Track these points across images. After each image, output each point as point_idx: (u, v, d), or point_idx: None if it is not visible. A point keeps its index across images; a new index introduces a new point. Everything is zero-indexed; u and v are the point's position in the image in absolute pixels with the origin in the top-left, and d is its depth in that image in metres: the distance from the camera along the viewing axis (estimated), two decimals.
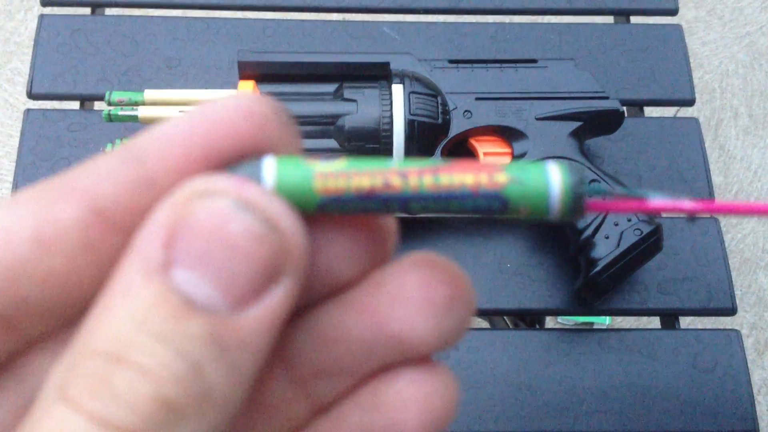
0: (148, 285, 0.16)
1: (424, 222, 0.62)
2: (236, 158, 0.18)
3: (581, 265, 0.57)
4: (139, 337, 0.15)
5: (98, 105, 0.65)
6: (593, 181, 0.57)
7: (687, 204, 0.18)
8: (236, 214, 0.16)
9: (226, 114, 0.18)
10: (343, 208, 0.18)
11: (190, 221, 0.16)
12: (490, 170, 0.18)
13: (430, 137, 0.58)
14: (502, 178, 0.18)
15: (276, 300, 0.16)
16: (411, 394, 0.19)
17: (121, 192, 0.17)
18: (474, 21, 0.72)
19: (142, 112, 0.58)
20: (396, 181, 0.18)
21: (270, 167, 0.18)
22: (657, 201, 0.18)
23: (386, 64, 0.59)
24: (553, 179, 0.18)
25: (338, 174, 0.18)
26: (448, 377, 0.19)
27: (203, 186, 0.17)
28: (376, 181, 0.18)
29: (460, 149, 0.60)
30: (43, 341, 0.17)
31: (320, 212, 0.18)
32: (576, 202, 0.18)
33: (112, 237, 0.17)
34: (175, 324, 0.16)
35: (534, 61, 0.62)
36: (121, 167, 0.17)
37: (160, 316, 0.16)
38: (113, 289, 0.16)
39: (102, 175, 0.17)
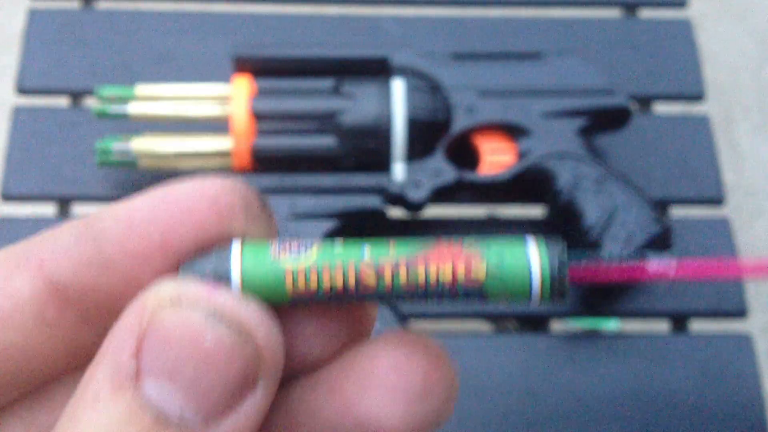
0: (118, 397, 0.16)
1: (424, 222, 0.61)
2: (199, 247, 0.17)
3: None
4: None
5: (89, 102, 0.64)
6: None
7: (692, 266, 0.17)
8: (209, 326, 0.16)
9: (190, 201, 0.17)
10: (316, 302, 0.18)
11: (161, 331, 0.16)
12: (468, 262, 0.17)
13: (431, 134, 0.58)
14: (480, 274, 0.17)
15: (251, 408, 0.16)
16: None
17: (77, 270, 0.17)
18: (478, 14, 0.71)
19: (133, 108, 0.57)
20: (370, 280, 0.17)
21: (236, 264, 0.17)
22: (656, 266, 0.18)
23: (386, 59, 0.58)
24: (534, 269, 0.17)
25: (309, 271, 0.17)
26: None
27: (173, 292, 0.16)
28: (349, 281, 0.17)
29: (463, 146, 0.59)
30: (9, 407, 0.18)
31: (292, 306, 0.18)
32: (558, 290, 0.17)
33: (68, 313, 0.17)
34: None
35: (539, 55, 0.61)
36: (79, 245, 0.17)
37: None
38: (82, 398, 0.16)
39: (59, 250, 0.17)
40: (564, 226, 0.58)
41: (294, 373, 0.18)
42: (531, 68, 0.60)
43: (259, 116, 0.56)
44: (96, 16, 0.68)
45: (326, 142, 0.57)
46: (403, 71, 0.58)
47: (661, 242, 0.55)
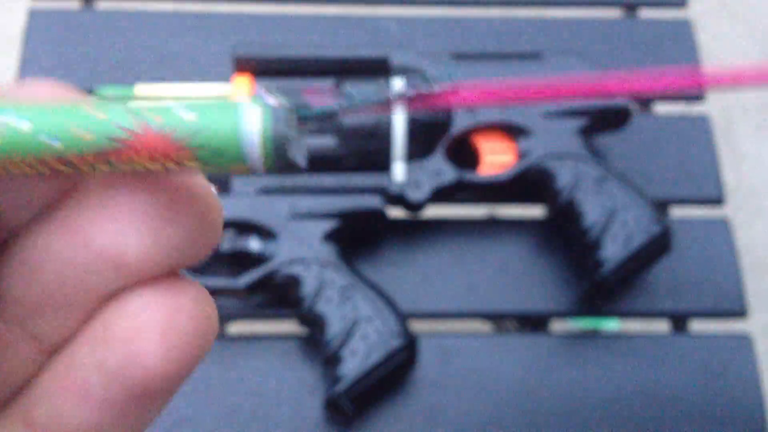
0: None
1: (424, 222, 0.61)
2: None
3: (587, 267, 0.56)
4: None
5: None
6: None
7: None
8: None
9: None
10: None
11: None
12: (175, 152, 0.16)
13: (431, 134, 0.58)
14: (190, 161, 0.16)
15: None
16: (146, 318, 0.16)
17: None
18: (478, 14, 0.71)
19: None
20: (64, 170, 0.16)
21: None
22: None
23: (386, 59, 0.58)
24: (247, 137, 0.15)
25: None
26: (196, 291, 0.17)
27: None
28: (41, 170, 0.16)
29: (463, 146, 0.59)
30: None
31: None
32: (281, 156, 0.16)
33: None
34: None
35: (539, 55, 0.61)
36: None
37: None
38: None
39: None
40: (564, 226, 0.58)
41: (24, 220, 0.17)
42: (531, 68, 0.60)
43: None
44: (96, 16, 0.68)
45: (326, 142, 0.57)
46: (403, 71, 0.58)
47: (661, 242, 0.55)
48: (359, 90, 0.57)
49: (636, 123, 0.62)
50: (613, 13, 0.73)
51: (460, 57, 0.60)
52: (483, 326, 0.80)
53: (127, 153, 0.16)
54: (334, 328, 0.52)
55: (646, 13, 0.72)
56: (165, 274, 0.17)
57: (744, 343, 0.59)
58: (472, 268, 0.60)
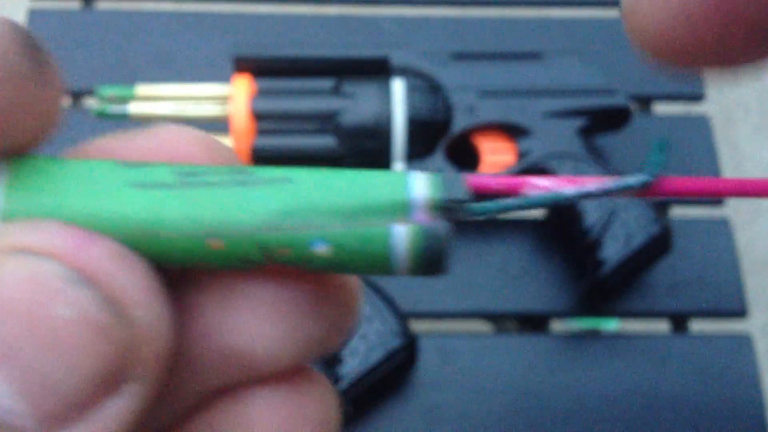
0: None
1: None
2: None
3: (587, 267, 0.56)
4: None
5: (89, 102, 0.64)
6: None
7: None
8: (67, 290, 0.11)
9: None
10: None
11: None
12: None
13: (431, 134, 0.58)
14: None
15: (111, 417, 0.12)
16: (266, 420, 0.14)
17: None
18: (478, 14, 0.71)
19: (133, 108, 0.57)
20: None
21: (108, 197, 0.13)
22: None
23: (386, 59, 0.58)
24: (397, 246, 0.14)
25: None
26: (323, 388, 0.15)
27: (25, 236, 0.12)
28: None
29: (463, 146, 0.59)
30: None
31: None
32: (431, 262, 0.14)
33: None
34: None
35: (539, 55, 0.61)
36: None
37: None
38: None
39: None
40: (564, 226, 0.58)
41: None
42: (531, 68, 0.60)
43: (259, 116, 0.56)
44: (96, 16, 0.68)
45: (326, 142, 0.57)
46: (403, 71, 0.58)
47: (661, 242, 0.55)
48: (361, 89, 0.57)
49: (636, 123, 0.62)
50: (613, 13, 0.73)
51: (460, 57, 0.60)
52: (483, 326, 0.80)
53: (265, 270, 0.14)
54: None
55: None
56: (293, 370, 0.15)
57: (744, 343, 0.59)
58: (472, 268, 0.60)
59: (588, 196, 0.15)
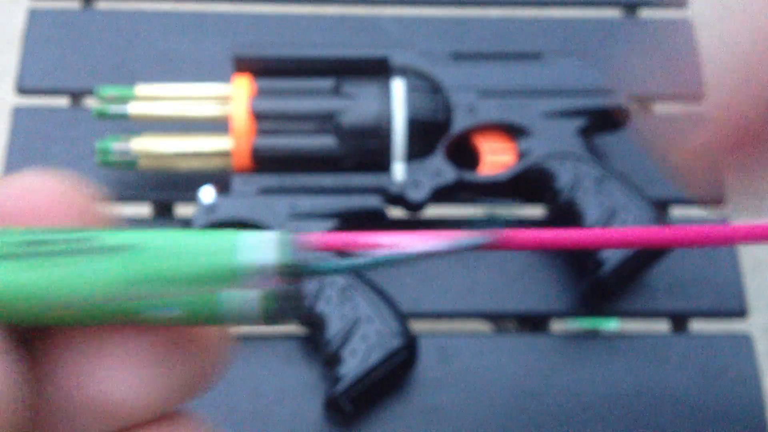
0: None
1: (424, 222, 0.61)
2: None
3: (587, 267, 0.56)
4: None
5: (89, 102, 0.64)
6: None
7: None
8: None
9: None
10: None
11: None
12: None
13: (431, 134, 0.58)
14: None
15: None
16: None
17: None
18: (478, 14, 0.71)
19: (133, 108, 0.57)
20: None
21: None
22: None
23: (386, 59, 0.58)
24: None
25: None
26: (194, 428, 0.16)
27: None
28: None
29: (463, 146, 0.59)
30: None
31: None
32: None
33: None
34: None
35: (539, 55, 0.61)
36: None
37: None
38: None
39: None
40: (564, 226, 0.58)
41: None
42: (531, 68, 0.60)
43: (259, 116, 0.56)
44: (96, 16, 0.68)
45: (326, 142, 0.57)
46: (403, 71, 0.58)
47: None
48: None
49: (636, 123, 0.62)
50: (613, 13, 0.73)
51: (460, 57, 0.60)
52: (483, 326, 0.80)
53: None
54: (334, 328, 0.52)
55: (646, 13, 0.72)
56: (164, 415, 0.15)
57: (744, 343, 0.59)
58: (472, 268, 0.60)
59: (431, 254, 0.16)
